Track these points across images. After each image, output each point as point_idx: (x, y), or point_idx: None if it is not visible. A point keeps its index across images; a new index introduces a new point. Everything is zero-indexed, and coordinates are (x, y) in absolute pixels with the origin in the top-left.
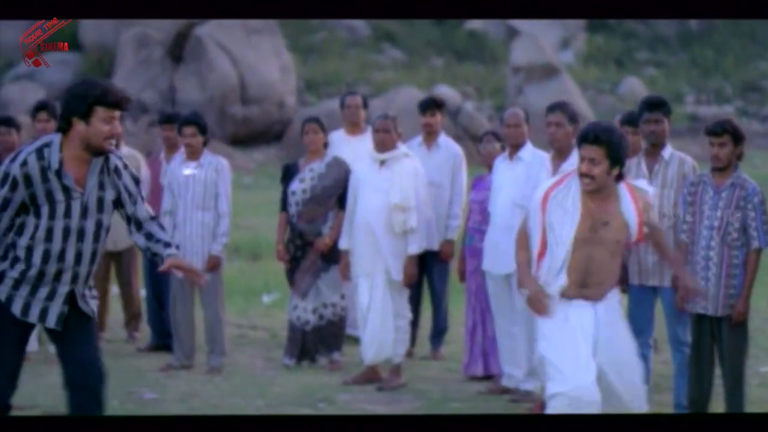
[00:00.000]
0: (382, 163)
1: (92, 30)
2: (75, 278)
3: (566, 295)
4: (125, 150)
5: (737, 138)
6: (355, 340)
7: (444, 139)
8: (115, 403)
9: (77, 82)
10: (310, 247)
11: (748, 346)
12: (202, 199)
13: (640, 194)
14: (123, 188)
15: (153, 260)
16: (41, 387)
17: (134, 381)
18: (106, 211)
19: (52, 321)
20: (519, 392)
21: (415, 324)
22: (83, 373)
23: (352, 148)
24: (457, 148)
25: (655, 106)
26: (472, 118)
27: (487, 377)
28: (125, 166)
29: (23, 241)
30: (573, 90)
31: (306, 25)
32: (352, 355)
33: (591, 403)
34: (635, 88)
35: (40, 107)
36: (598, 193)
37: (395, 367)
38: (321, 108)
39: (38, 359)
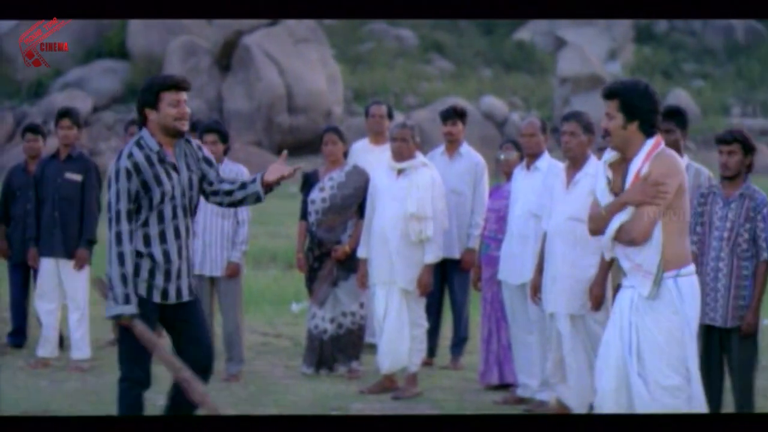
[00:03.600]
0: (400, 171)
1: (140, 38)
2: (187, 251)
3: None
4: None
5: (747, 148)
6: (376, 349)
7: (466, 148)
8: None
9: (145, 81)
10: (329, 256)
11: (758, 358)
12: (221, 207)
13: (656, 162)
14: (205, 163)
15: (257, 199)
16: (57, 393)
17: (152, 387)
18: (194, 189)
19: (186, 294)
20: (534, 402)
21: (436, 333)
22: (200, 351)
23: (376, 158)
24: (479, 158)
25: (668, 115)
26: (519, 129)
27: (503, 386)
28: (200, 148)
29: (140, 233)
30: None
31: (354, 35)
32: (372, 364)
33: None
34: (682, 99)
35: (63, 114)
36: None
37: (411, 376)
38: None
39: (58, 366)
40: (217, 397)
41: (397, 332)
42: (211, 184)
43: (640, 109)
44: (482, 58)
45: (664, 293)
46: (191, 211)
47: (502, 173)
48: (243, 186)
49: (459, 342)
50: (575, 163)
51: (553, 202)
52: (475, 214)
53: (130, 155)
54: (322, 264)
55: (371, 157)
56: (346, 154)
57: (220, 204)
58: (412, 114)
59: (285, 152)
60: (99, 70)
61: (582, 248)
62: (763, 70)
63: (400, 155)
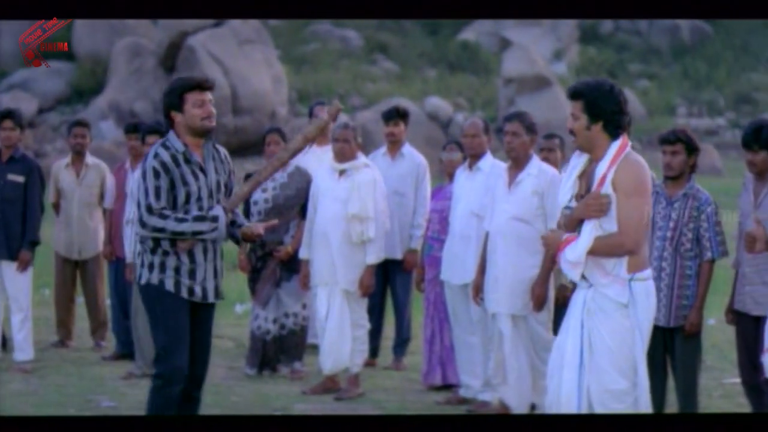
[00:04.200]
0: (342, 172)
1: (85, 40)
2: (215, 254)
3: None
4: (91, 160)
5: (691, 148)
6: (318, 350)
7: (408, 149)
8: (72, 411)
9: (167, 84)
10: (272, 257)
11: (701, 358)
12: None
13: (624, 168)
14: (229, 175)
15: (236, 242)
16: (3, 394)
17: (95, 389)
18: (221, 192)
19: (211, 296)
20: (476, 402)
21: (378, 334)
22: (199, 361)
23: (318, 159)
24: (420, 158)
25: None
26: (461, 130)
27: (446, 386)
28: (228, 159)
29: None
30: (565, 101)
31: (298, 36)
32: (315, 365)
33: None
34: (628, 99)
35: (5, 115)
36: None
37: (353, 377)
38: None
39: (1, 367)
40: None
41: (339, 333)
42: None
43: (604, 110)
44: (427, 59)
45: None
46: None
47: (445, 174)
48: (232, 223)
49: (401, 343)
50: (517, 164)
51: (495, 203)
52: (416, 215)
53: (156, 155)
54: (265, 264)
55: (313, 158)
56: None
57: None
58: (356, 115)
59: (276, 221)
60: (44, 71)
61: (524, 248)
62: (709, 71)
63: (342, 156)
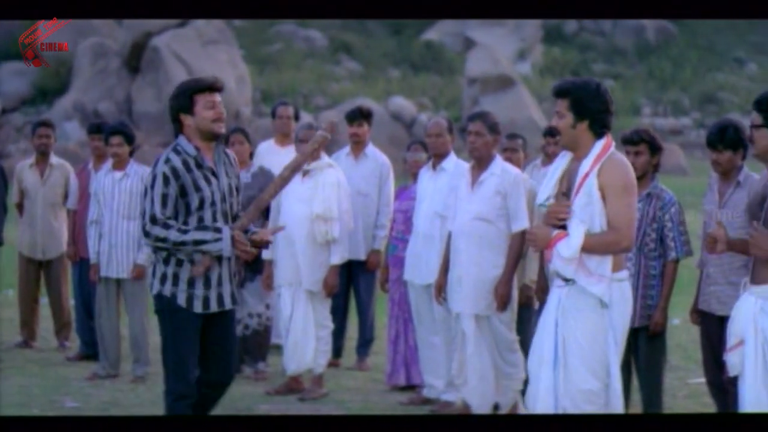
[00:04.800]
0: (306, 173)
1: (49, 40)
2: (229, 259)
3: None
4: (55, 160)
5: (654, 148)
6: (282, 350)
7: (371, 149)
8: (36, 411)
9: (176, 86)
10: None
11: (666, 358)
12: (128, 209)
13: (610, 168)
14: (237, 178)
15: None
16: None
17: (59, 389)
18: (234, 195)
19: (227, 302)
20: (440, 402)
21: (341, 334)
22: (220, 368)
23: (282, 159)
24: (384, 158)
25: None
26: (425, 129)
27: (410, 387)
28: (234, 160)
29: None
30: (529, 101)
31: (262, 36)
32: (278, 365)
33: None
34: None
35: None
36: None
37: (317, 378)
38: None
39: None
40: (124, 399)
41: (302, 333)
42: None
43: (589, 108)
44: (391, 59)
45: (591, 297)
46: (232, 217)
47: (410, 174)
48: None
49: (365, 343)
50: (480, 163)
51: (458, 202)
52: (380, 215)
53: (168, 160)
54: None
55: (277, 158)
56: (252, 155)
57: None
58: (320, 115)
59: (282, 227)
60: (7, 72)
61: (487, 248)
62: (674, 70)
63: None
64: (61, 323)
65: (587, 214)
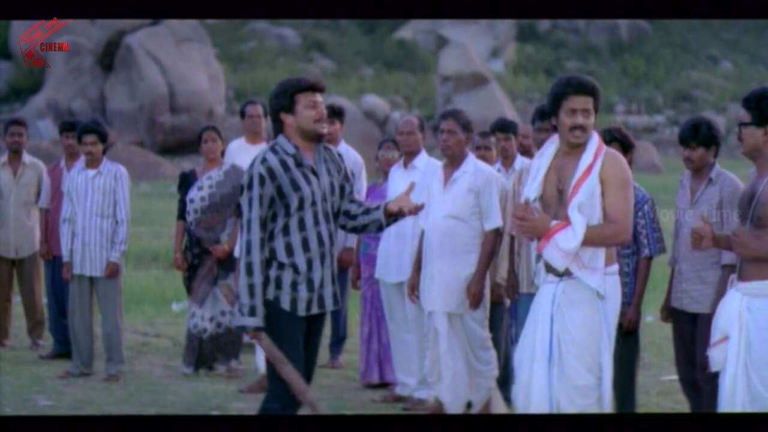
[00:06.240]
0: None
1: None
2: (332, 259)
3: None
4: (28, 158)
5: (626, 146)
6: (254, 348)
7: (344, 147)
8: (9, 411)
9: (276, 85)
10: (208, 255)
11: (639, 355)
12: (100, 207)
13: (611, 162)
14: (345, 177)
15: (379, 227)
16: None
17: (32, 388)
18: (336, 194)
19: (329, 304)
20: (412, 400)
21: None
22: (305, 369)
23: (252, 157)
24: (356, 156)
25: (544, 114)
26: (396, 127)
27: (384, 384)
28: (341, 157)
29: (281, 242)
30: (502, 99)
31: (236, 34)
32: (251, 363)
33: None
34: None
35: None
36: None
37: None
38: None
39: None
40: (97, 398)
41: None
42: (343, 196)
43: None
44: (363, 57)
45: (587, 291)
46: (334, 217)
47: (382, 172)
48: (367, 212)
49: (337, 341)
50: (453, 162)
51: (431, 201)
52: None
53: (264, 160)
54: (202, 262)
55: (247, 156)
56: (224, 153)
57: (343, 227)
58: None
59: (413, 183)
60: None
61: (459, 246)
62: (648, 68)
63: None
64: (34, 322)
65: (590, 207)
